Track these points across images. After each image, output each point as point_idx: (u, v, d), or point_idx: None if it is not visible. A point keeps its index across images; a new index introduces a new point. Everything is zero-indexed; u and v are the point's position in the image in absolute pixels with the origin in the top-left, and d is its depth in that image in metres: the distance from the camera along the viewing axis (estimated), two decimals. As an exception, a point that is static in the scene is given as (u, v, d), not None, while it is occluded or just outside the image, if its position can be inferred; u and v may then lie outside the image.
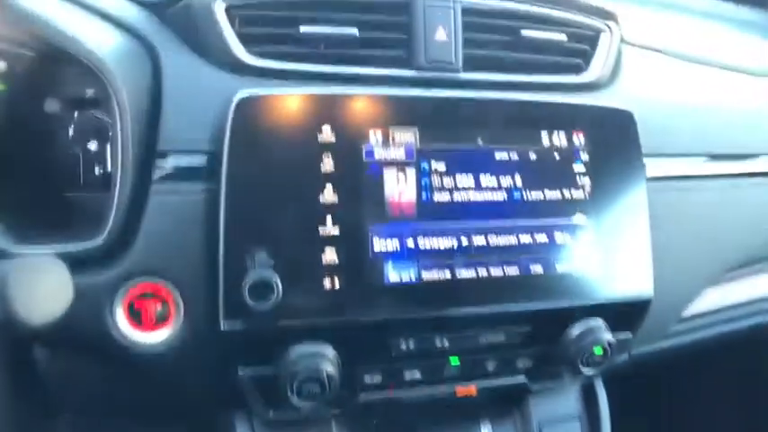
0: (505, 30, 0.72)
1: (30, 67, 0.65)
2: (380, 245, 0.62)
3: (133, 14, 0.68)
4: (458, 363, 0.68)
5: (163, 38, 0.67)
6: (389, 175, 0.63)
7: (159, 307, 0.63)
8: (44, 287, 0.43)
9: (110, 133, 0.63)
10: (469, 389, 0.72)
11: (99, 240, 0.60)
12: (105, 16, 0.65)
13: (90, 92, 0.67)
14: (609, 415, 0.81)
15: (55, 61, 0.64)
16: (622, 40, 0.81)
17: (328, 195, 0.61)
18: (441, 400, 0.72)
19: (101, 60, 0.59)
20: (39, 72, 0.65)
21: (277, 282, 0.58)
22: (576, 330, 0.69)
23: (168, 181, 0.62)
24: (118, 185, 0.61)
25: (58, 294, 0.45)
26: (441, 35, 0.69)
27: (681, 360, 0.96)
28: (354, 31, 0.67)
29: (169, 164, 0.62)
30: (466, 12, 0.70)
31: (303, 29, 0.66)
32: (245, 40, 0.66)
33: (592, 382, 0.82)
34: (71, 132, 0.68)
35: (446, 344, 0.66)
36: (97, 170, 0.69)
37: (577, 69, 0.76)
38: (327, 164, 0.61)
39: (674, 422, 1.28)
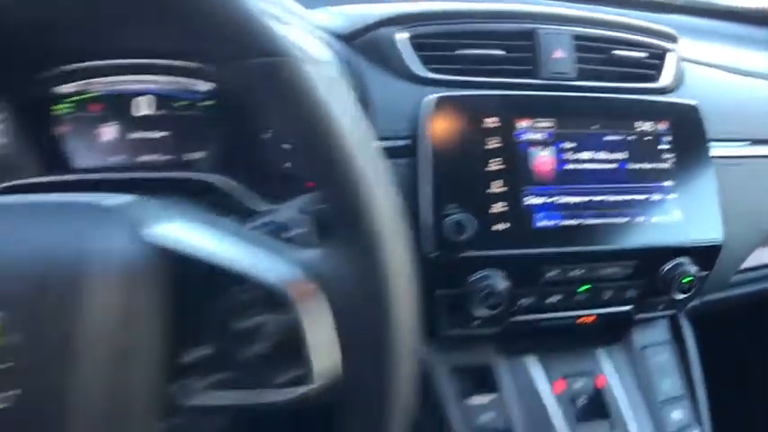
0: (603, 50, 0.98)
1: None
2: (531, 200, 0.87)
3: (335, 42, 0.94)
4: (585, 290, 0.92)
5: (358, 60, 0.93)
6: (535, 150, 0.89)
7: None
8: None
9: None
10: (589, 317, 0.96)
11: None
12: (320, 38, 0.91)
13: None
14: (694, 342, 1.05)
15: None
16: (682, 58, 1.08)
17: (495, 165, 0.87)
18: (568, 326, 0.96)
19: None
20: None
21: (466, 223, 0.83)
22: (668, 265, 0.93)
23: (380, 159, 0.87)
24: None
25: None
26: (558, 54, 0.95)
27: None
28: (502, 52, 0.93)
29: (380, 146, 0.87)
30: (576, 37, 0.96)
31: (463, 51, 0.92)
32: (422, 61, 0.92)
33: (677, 318, 1.06)
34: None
35: (578, 273, 0.91)
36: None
37: (653, 78, 1.02)
38: (493, 143, 0.87)
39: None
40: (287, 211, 0.67)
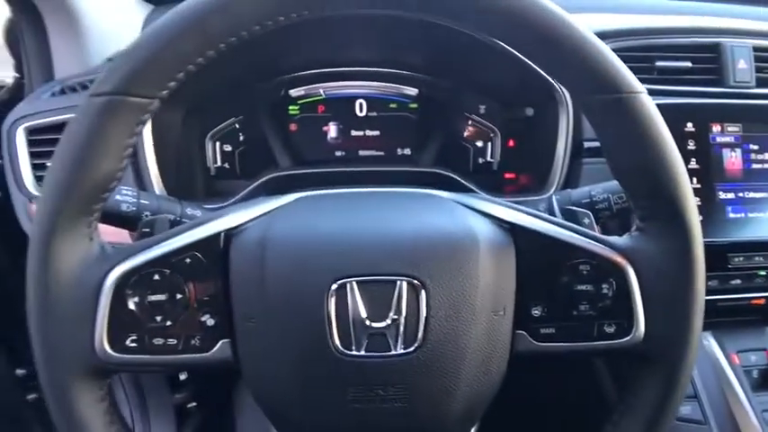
0: (776, 59, 1.10)
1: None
2: (722, 195, 1.00)
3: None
4: (763, 275, 1.05)
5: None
6: (726, 152, 1.01)
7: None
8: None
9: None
10: (760, 300, 1.08)
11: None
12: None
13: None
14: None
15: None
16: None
17: (692, 164, 1.00)
18: (741, 307, 1.08)
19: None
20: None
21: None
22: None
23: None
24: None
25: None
26: (741, 64, 1.07)
27: None
28: (688, 63, 1.06)
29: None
30: (756, 49, 1.08)
31: (658, 63, 1.05)
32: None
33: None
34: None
35: (759, 260, 1.03)
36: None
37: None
38: (691, 145, 1.00)
39: None
40: (542, 203, 0.82)
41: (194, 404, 1.39)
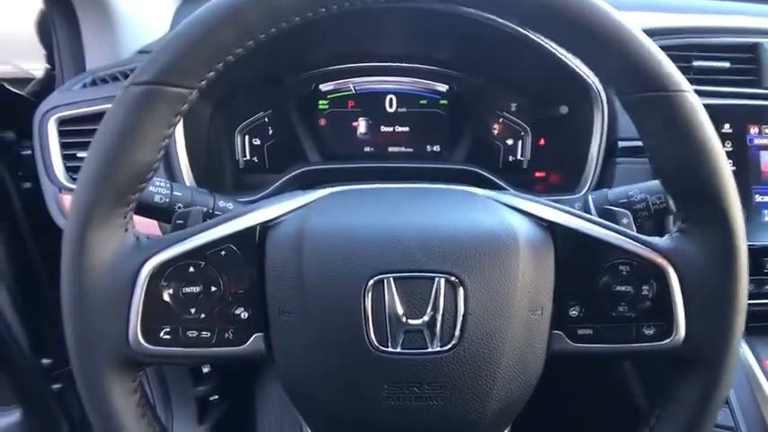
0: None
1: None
2: (759, 198, 0.98)
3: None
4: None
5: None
6: (763, 154, 0.99)
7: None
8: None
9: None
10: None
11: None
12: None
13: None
14: None
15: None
16: None
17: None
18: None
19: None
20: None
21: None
22: None
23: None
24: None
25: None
26: None
27: None
28: (726, 64, 1.04)
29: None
30: (796, 48, 1.06)
31: (695, 63, 1.03)
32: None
33: None
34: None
35: (794, 265, 1.01)
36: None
37: None
38: (728, 146, 0.98)
39: None
40: (578, 202, 0.81)
41: (216, 397, 1.39)
